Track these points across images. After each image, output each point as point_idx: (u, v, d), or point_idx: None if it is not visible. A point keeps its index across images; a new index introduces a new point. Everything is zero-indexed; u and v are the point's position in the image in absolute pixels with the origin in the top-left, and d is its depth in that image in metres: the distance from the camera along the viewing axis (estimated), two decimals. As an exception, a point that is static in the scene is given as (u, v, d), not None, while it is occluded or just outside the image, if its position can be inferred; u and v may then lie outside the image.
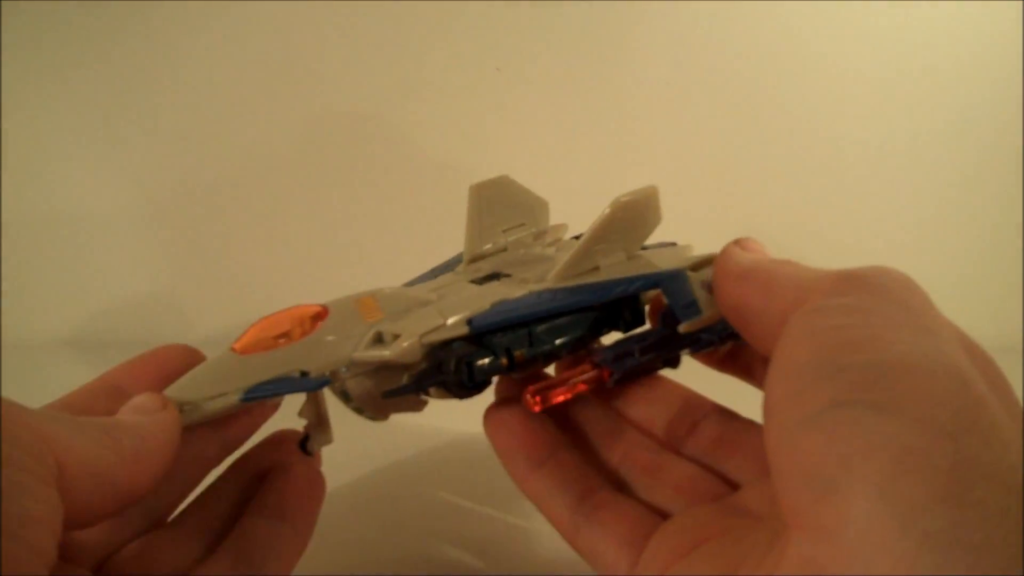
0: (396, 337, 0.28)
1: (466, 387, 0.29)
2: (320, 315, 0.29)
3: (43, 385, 0.30)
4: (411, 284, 0.35)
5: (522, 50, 0.59)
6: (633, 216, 0.30)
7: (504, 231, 0.36)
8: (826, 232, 0.61)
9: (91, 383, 0.27)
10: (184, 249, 0.61)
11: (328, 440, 0.32)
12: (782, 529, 0.19)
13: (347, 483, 0.42)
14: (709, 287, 0.28)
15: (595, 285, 0.30)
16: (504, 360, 0.29)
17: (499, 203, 0.35)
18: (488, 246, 0.36)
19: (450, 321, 0.29)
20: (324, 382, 0.28)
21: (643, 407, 0.33)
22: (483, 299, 0.30)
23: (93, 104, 0.60)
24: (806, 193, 0.61)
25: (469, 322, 0.29)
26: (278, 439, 0.32)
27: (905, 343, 0.19)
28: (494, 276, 0.33)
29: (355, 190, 0.61)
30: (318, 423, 0.31)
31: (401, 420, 0.33)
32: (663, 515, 0.28)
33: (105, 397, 0.27)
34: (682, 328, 0.29)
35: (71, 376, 0.30)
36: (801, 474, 0.18)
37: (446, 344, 0.29)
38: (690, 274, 0.29)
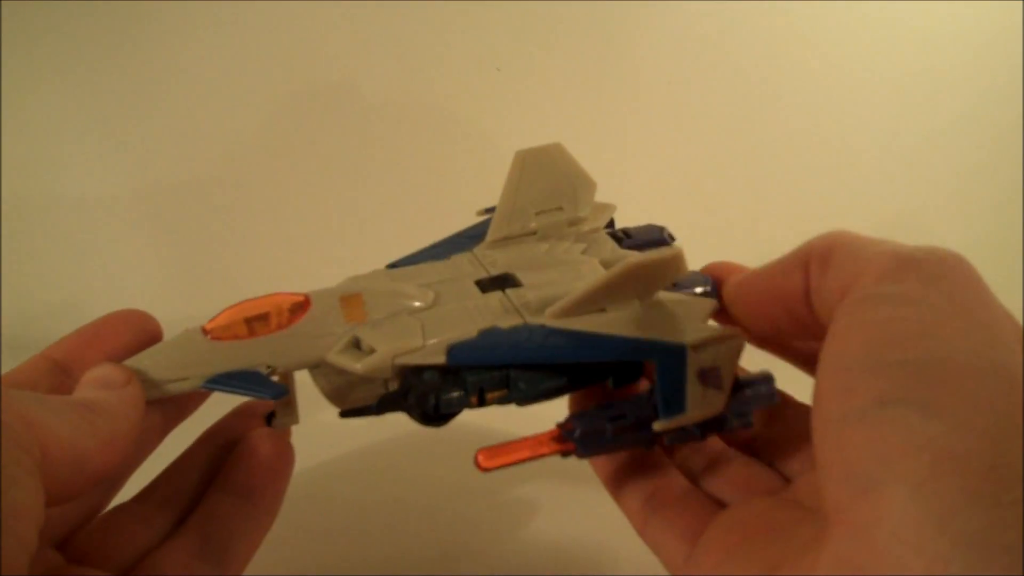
0: (371, 350, 0.27)
1: (430, 419, 0.28)
2: (301, 307, 0.27)
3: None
4: (428, 252, 0.33)
5: (522, 50, 0.59)
6: (649, 275, 0.27)
7: (538, 213, 0.33)
8: (823, 227, 0.61)
9: (34, 358, 0.27)
10: (176, 237, 0.61)
11: (294, 420, 0.30)
12: (825, 525, 0.19)
13: (333, 478, 0.42)
14: (707, 376, 0.26)
15: (589, 340, 0.27)
16: (474, 399, 0.27)
17: (541, 178, 0.32)
18: (517, 227, 0.32)
19: (430, 343, 0.27)
20: (283, 392, 0.27)
21: None
22: (473, 322, 0.28)
23: (89, 98, 0.59)
24: (806, 191, 0.61)
25: (448, 351, 0.27)
26: (246, 411, 0.32)
27: (955, 340, 0.19)
28: (503, 280, 0.30)
29: (353, 172, 0.60)
30: (285, 403, 0.30)
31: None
32: (722, 506, 0.28)
33: (49, 373, 0.26)
34: (656, 426, 0.26)
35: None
36: (842, 470, 0.18)
37: (419, 370, 0.27)
38: (691, 355, 0.26)
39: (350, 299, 0.28)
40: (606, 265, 0.31)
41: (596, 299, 0.28)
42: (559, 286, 0.29)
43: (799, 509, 0.25)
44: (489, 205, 0.34)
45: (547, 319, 0.28)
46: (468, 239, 0.33)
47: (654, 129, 0.60)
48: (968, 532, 0.16)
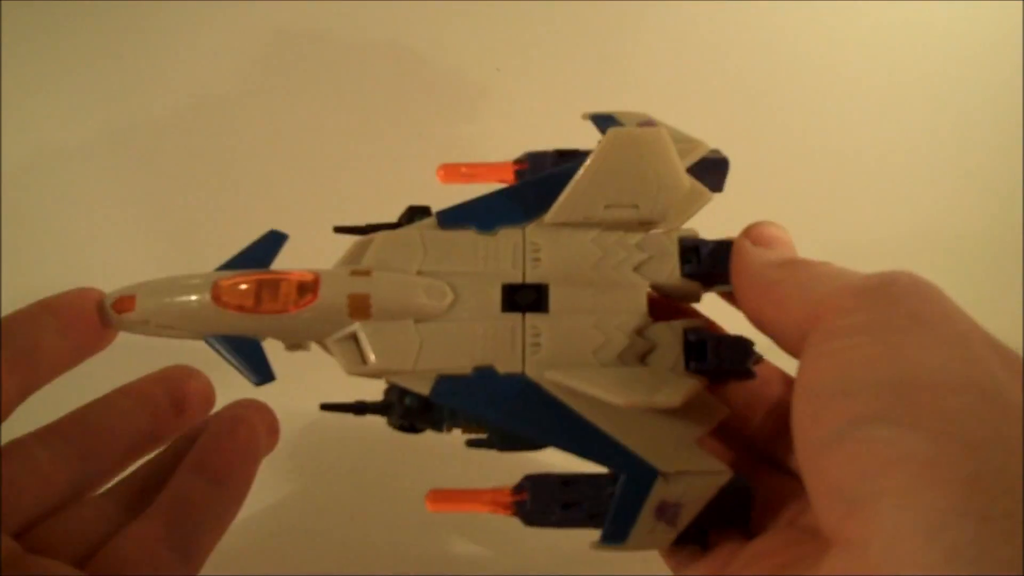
0: (364, 359, 0.27)
1: (404, 431, 0.28)
2: (310, 291, 0.27)
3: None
4: (487, 206, 0.30)
5: (522, 50, 0.59)
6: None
7: (607, 207, 0.29)
8: (826, 232, 0.61)
9: (30, 307, 0.27)
10: (155, 182, 0.60)
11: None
12: (824, 546, 0.19)
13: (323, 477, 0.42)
14: (664, 511, 0.25)
15: (571, 427, 0.26)
16: (447, 430, 0.28)
17: (626, 168, 0.28)
18: (580, 215, 0.29)
19: (420, 368, 0.27)
20: (268, 379, 0.27)
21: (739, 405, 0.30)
22: (473, 352, 0.27)
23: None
24: (806, 192, 0.61)
25: (434, 385, 0.27)
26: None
27: (922, 357, 0.19)
28: (531, 298, 0.28)
29: (351, 168, 0.60)
30: None
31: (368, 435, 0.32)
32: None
33: (51, 334, 0.26)
34: (591, 544, 0.26)
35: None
36: (828, 492, 0.18)
37: (403, 392, 0.27)
38: (660, 484, 0.25)
39: (358, 298, 0.27)
40: (657, 290, 0.29)
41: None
42: (585, 336, 0.27)
43: (816, 540, 0.25)
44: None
45: (545, 378, 0.27)
46: (535, 194, 0.30)
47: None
48: (959, 545, 0.16)
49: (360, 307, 0.27)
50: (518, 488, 0.27)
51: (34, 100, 0.59)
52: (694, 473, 0.25)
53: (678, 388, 0.25)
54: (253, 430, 0.30)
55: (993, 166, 0.59)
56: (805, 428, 0.20)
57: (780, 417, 0.29)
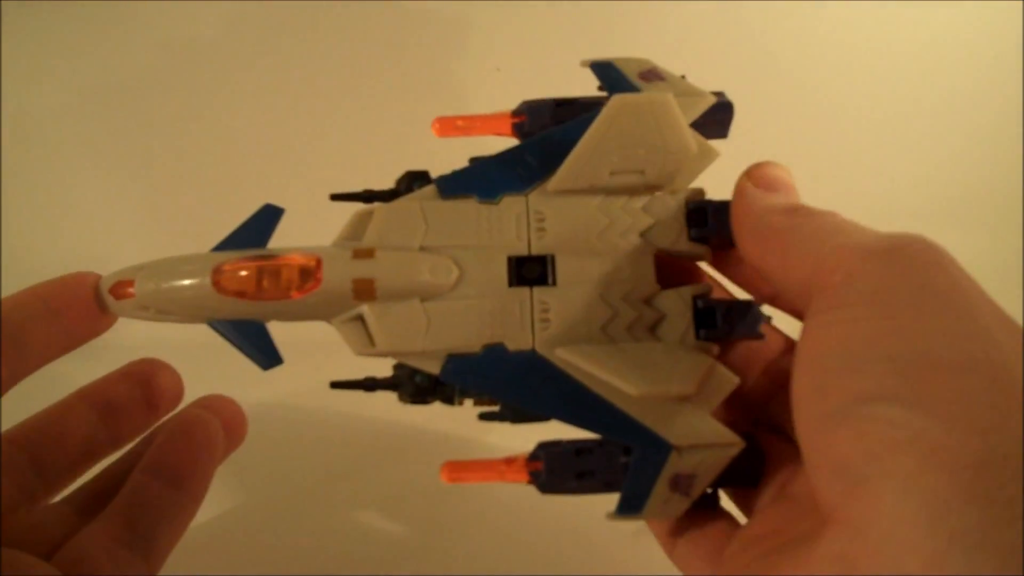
0: (371, 341, 0.27)
1: (414, 403, 0.28)
2: (312, 277, 0.27)
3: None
4: (487, 170, 0.29)
5: (522, 50, 0.59)
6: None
7: (612, 173, 0.28)
8: (828, 194, 0.61)
9: (20, 293, 0.27)
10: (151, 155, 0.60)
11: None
12: (821, 522, 0.19)
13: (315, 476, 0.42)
14: (679, 482, 0.25)
15: (583, 402, 0.26)
16: (459, 403, 0.28)
17: (632, 134, 0.27)
18: (584, 182, 0.28)
19: (426, 348, 0.27)
20: (275, 363, 0.27)
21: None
22: (482, 330, 0.27)
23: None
24: (806, 190, 0.60)
25: (445, 364, 0.27)
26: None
27: (932, 333, 0.18)
28: (537, 270, 0.28)
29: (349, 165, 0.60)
30: None
31: (377, 415, 0.32)
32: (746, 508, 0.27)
33: (40, 321, 0.26)
34: (608, 515, 0.26)
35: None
36: (831, 468, 0.18)
37: (412, 370, 0.27)
38: (674, 457, 0.25)
39: (362, 282, 0.27)
40: (665, 254, 0.29)
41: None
42: (593, 308, 0.27)
43: (810, 515, 0.25)
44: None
45: (556, 356, 0.27)
46: (536, 157, 0.29)
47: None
48: (963, 530, 0.15)
49: (365, 290, 0.27)
50: (533, 457, 0.27)
51: (32, 89, 0.59)
52: (708, 446, 0.25)
53: (691, 372, 0.25)
54: (210, 431, 0.29)
55: (994, 165, 0.59)
56: (808, 400, 0.19)
57: (776, 378, 0.29)
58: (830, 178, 0.60)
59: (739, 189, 0.27)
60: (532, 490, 0.27)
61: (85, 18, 0.58)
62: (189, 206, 0.58)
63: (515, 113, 0.31)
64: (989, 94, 0.59)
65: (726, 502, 0.28)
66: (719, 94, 0.30)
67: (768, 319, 0.28)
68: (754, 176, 0.27)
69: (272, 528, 0.39)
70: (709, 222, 0.28)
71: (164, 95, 0.59)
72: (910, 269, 0.20)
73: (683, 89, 0.30)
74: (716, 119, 0.30)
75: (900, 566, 0.16)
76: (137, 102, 0.59)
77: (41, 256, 0.60)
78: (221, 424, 0.30)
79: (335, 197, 0.30)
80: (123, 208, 0.59)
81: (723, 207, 0.28)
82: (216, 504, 0.40)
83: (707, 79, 0.59)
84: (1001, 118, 0.59)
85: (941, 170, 0.60)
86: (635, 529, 0.28)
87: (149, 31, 0.58)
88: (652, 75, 0.30)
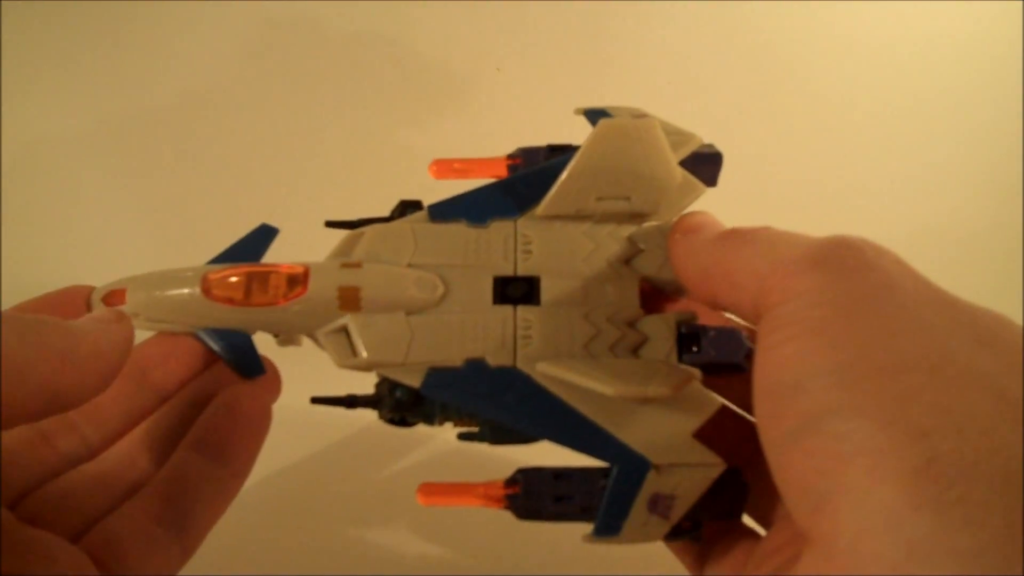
0: (354, 353, 0.27)
1: (395, 425, 0.28)
2: (300, 283, 0.27)
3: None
4: (477, 199, 0.30)
5: (522, 50, 0.59)
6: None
7: (599, 199, 0.28)
8: (825, 230, 0.61)
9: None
10: (150, 173, 0.60)
11: (297, 342, 0.29)
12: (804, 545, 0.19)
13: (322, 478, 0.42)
14: (657, 503, 0.25)
15: (562, 419, 0.26)
16: (438, 424, 0.28)
17: (617, 159, 0.28)
18: (572, 207, 0.29)
19: (411, 360, 0.27)
20: (258, 373, 0.28)
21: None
22: (465, 345, 0.27)
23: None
24: (805, 190, 0.60)
25: (425, 378, 0.26)
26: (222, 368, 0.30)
27: (871, 337, 0.18)
28: (523, 291, 0.28)
29: (348, 165, 0.60)
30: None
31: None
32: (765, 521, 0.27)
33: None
34: (584, 537, 0.25)
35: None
36: (794, 490, 0.18)
37: (393, 385, 0.27)
38: (652, 476, 0.25)
39: (348, 291, 0.27)
40: (649, 283, 0.29)
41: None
42: (576, 328, 0.27)
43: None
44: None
45: (536, 370, 0.27)
46: (526, 188, 0.30)
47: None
48: (918, 539, 0.15)
49: (350, 299, 0.27)
50: (510, 481, 0.27)
51: (32, 96, 0.59)
52: (687, 465, 0.25)
53: (669, 378, 0.25)
54: (257, 405, 0.29)
55: (994, 165, 0.59)
56: (766, 428, 0.20)
57: None
58: (830, 177, 0.61)
59: (670, 244, 0.27)
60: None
61: (85, 25, 0.58)
62: (189, 220, 0.58)
63: (510, 156, 0.31)
64: (989, 94, 0.59)
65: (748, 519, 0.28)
66: (709, 145, 0.31)
67: (752, 351, 0.27)
68: (679, 228, 0.27)
69: (271, 529, 0.39)
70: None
71: (166, 107, 0.59)
72: (839, 277, 0.20)
73: (671, 130, 0.31)
74: (705, 167, 0.30)
75: None
76: (138, 112, 0.59)
77: (40, 269, 0.60)
78: (270, 397, 0.29)
79: (330, 224, 0.30)
80: (123, 220, 0.59)
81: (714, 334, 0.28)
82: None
83: (707, 79, 0.59)
84: (1001, 118, 0.58)
85: (941, 170, 0.60)
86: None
87: (152, 41, 0.58)
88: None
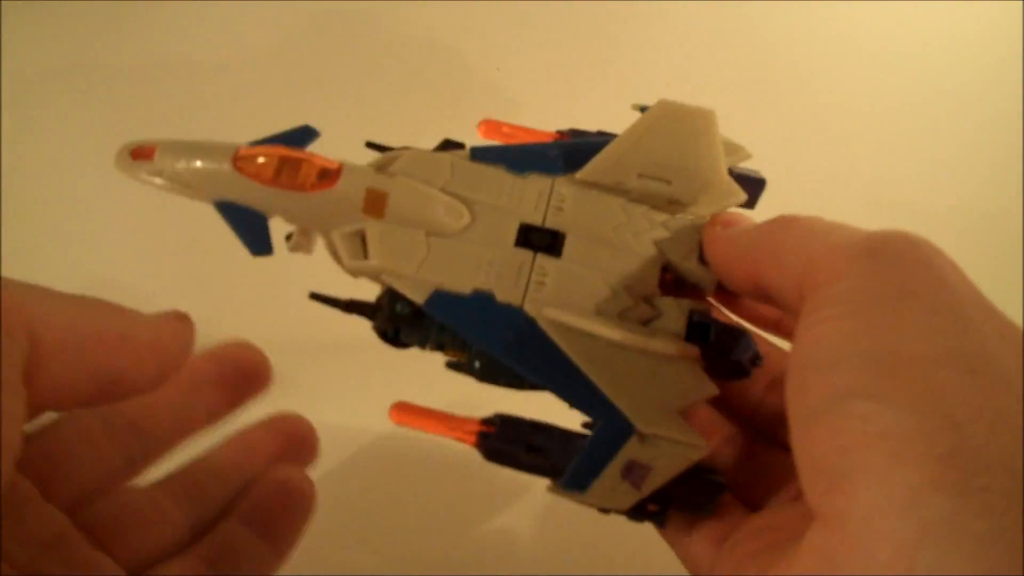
0: (366, 256, 0.27)
1: (388, 341, 0.28)
2: (329, 178, 0.27)
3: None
4: (521, 152, 0.30)
5: (522, 50, 0.59)
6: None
7: (640, 175, 0.28)
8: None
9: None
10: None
11: (308, 251, 0.29)
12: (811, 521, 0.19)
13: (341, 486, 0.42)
14: (632, 470, 0.25)
15: (554, 365, 0.26)
16: (430, 348, 0.27)
17: (669, 141, 0.28)
18: (612, 179, 0.28)
19: (420, 276, 0.27)
20: (264, 252, 0.27)
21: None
22: (476, 275, 0.27)
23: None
24: (805, 190, 0.60)
25: (430, 296, 0.26)
26: (281, 427, 0.30)
27: (910, 328, 0.18)
28: (546, 242, 0.28)
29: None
30: (303, 231, 0.29)
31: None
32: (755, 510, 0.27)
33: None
34: (548, 487, 0.26)
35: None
36: (811, 467, 0.18)
37: (396, 296, 0.27)
38: (633, 442, 0.25)
39: (375, 194, 0.27)
40: (672, 269, 0.29)
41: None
42: (591, 286, 0.27)
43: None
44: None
45: (542, 315, 0.27)
46: (572, 154, 0.30)
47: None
48: (934, 520, 0.15)
49: (375, 204, 0.27)
50: (487, 421, 0.27)
51: (35, 98, 0.59)
52: (671, 440, 0.25)
53: (674, 340, 0.26)
54: (305, 489, 0.29)
55: (994, 165, 0.59)
56: (793, 401, 0.20)
57: (781, 394, 0.29)
58: (829, 178, 0.61)
59: (706, 234, 0.27)
60: (532, 494, 0.27)
61: (85, 25, 0.58)
62: (189, 220, 0.58)
63: (560, 132, 0.31)
64: (989, 94, 0.59)
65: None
66: (755, 171, 0.31)
67: (758, 357, 0.28)
68: (718, 220, 0.27)
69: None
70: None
71: (166, 107, 0.59)
72: (892, 267, 0.20)
73: (723, 139, 0.30)
74: (746, 188, 0.30)
75: (873, 555, 0.16)
76: (139, 111, 0.59)
77: (40, 268, 0.60)
78: (304, 468, 0.30)
79: (370, 145, 0.30)
80: (122, 220, 0.59)
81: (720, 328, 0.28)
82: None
83: (707, 79, 0.59)
84: (1001, 118, 0.58)
85: (941, 170, 0.60)
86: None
87: (152, 34, 0.58)
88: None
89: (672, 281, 0.29)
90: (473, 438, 0.27)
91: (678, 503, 0.26)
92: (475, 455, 0.27)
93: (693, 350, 0.26)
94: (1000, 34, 0.57)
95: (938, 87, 0.59)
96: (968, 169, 0.60)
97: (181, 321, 0.24)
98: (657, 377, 0.26)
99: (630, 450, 0.25)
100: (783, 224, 0.24)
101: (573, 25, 0.59)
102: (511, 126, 0.31)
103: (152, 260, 0.61)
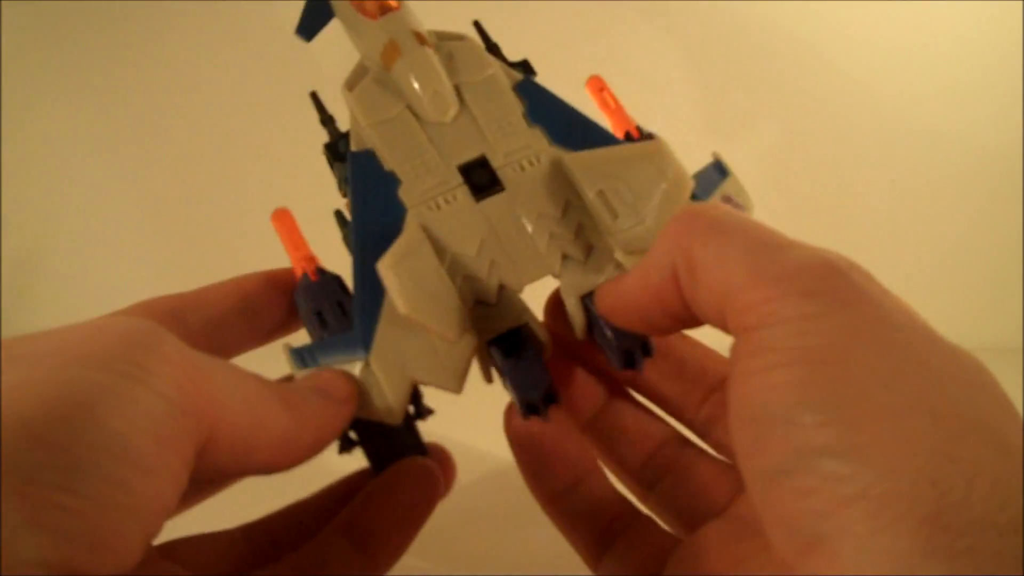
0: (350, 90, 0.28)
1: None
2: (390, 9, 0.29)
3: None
4: (558, 103, 0.31)
5: (522, 50, 0.59)
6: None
7: (599, 193, 0.26)
8: (826, 232, 0.61)
9: (222, 284, 0.26)
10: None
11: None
12: (766, 548, 0.18)
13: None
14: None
15: (377, 283, 0.24)
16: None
17: (645, 179, 0.26)
18: (580, 177, 0.27)
19: (369, 129, 0.28)
20: (308, 36, 0.30)
21: (664, 383, 0.28)
22: (404, 164, 0.27)
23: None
24: (805, 190, 0.61)
25: (364, 150, 0.28)
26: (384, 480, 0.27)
27: (865, 376, 0.17)
28: (487, 185, 0.27)
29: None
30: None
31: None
32: (690, 526, 0.26)
33: (237, 315, 0.25)
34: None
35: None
36: (782, 525, 0.17)
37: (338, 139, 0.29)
38: (358, 363, 0.25)
39: (393, 47, 0.30)
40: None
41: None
42: (472, 239, 0.26)
43: (753, 538, 0.23)
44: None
45: (414, 223, 0.26)
46: (580, 135, 0.29)
47: (656, 130, 0.60)
48: None
49: (390, 55, 0.29)
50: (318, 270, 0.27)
51: (35, 100, 0.59)
52: (381, 387, 0.24)
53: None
54: (416, 493, 0.26)
55: (994, 165, 0.59)
56: (749, 456, 0.18)
57: (717, 403, 0.27)
58: (830, 177, 0.61)
59: (601, 290, 0.26)
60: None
61: (85, 25, 0.58)
62: (190, 220, 0.58)
63: (639, 129, 0.32)
64: (989, 94, 0.59)
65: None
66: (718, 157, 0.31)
67: (646, 344, 0.26)
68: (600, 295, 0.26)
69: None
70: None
71: (166, 107, 0.59)
72: (831, 307, 0.18)
73: (740, 189, 0.31)
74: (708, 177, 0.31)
75: None
76: (139, 112, 0.59)
77: (41, 268, 0.60)
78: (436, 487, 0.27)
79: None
80: (123, 220, 0.59)
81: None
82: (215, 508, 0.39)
83: (707, 79, 0.59)
84: (1002, 118, 0.59)
85: (941, 169, 0.60)
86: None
87: (152, 41, 0.58)
88: (729, 200, 0.30)
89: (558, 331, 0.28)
90: (300, 270, 0.27)
91: (371, 446, 0.27)
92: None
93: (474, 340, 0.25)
94: (1000, 34, 0.57)
95: (937, 87, 0.59)
96: (968, 169, 0.60)
97: (347, 404, 0.23)
98: (429, 350, 0.25)
99: (351, 365, 0.25)
100: (693, 233, 0.21)
101: (573, 25, 0.59)
102: (612, 95, 0.33)
103: (152, 260, 0.61)
